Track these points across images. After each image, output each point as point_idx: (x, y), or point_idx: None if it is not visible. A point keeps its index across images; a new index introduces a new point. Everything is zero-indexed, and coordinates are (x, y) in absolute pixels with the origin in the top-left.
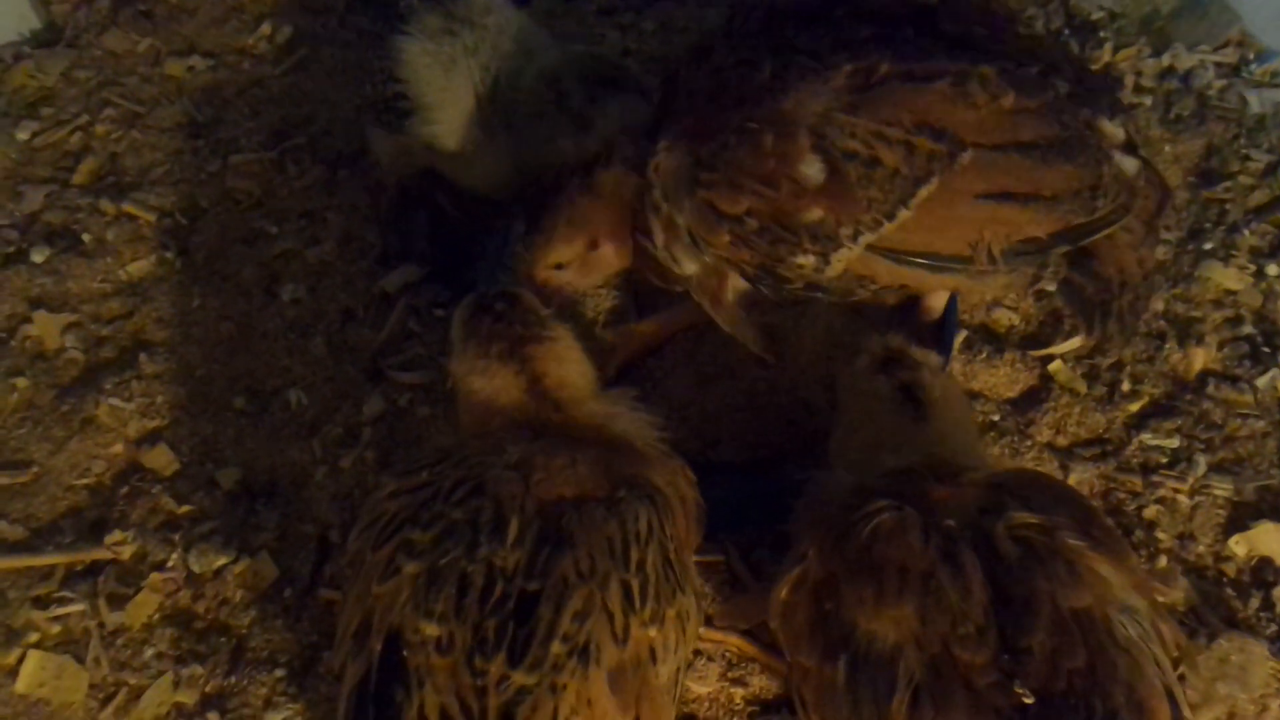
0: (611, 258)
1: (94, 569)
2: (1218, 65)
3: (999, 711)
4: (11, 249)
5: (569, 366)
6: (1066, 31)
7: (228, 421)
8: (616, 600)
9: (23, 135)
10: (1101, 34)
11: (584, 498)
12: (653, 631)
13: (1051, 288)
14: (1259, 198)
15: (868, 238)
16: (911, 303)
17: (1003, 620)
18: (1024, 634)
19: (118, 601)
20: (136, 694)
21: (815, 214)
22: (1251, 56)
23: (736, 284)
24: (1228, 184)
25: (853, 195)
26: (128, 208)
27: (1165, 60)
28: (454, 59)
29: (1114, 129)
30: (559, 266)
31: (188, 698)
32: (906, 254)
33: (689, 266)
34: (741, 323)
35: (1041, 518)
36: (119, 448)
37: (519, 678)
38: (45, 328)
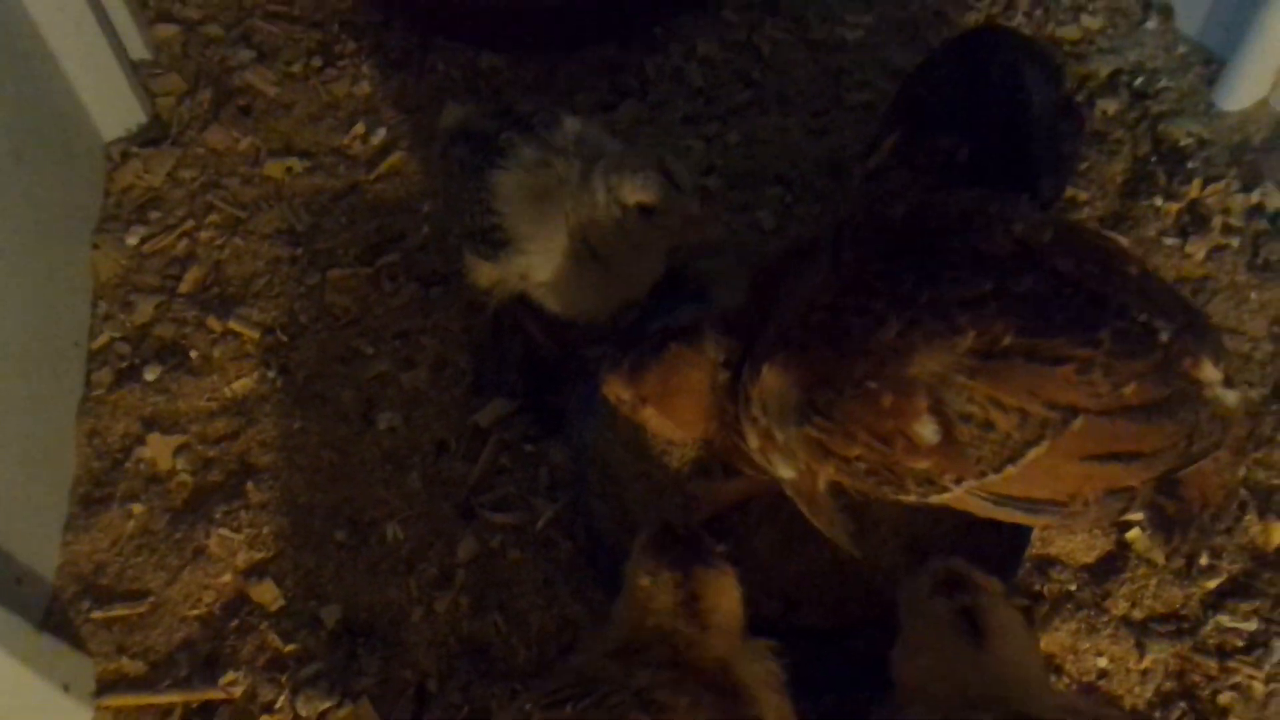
0: (652, 423)
1: (208, 708)
2: None
3: None
4: (125, 364)
5: (726, 598)
6: (1154, 159)
7: (329, 554)
8: None
9: (132, 240)
10: (1190, 164)
11: None
12: None
13: (1137, 516)
14: None
15: (970, 485)
16: (984, 523)
17: None
18: None
19: None
20: None
21: (924, 465)
22: None
23: (828, 479)
24: None
25: (963, 454)
26: (233, 324)
27: (1255, 197)
28: (547, 189)
29: (1214, 372)
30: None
31: None
32: (1005, 498)
33: (785, 472)
34: (836, 523)
35: None
36: (228, 578)
37: None
38: (158, 449)
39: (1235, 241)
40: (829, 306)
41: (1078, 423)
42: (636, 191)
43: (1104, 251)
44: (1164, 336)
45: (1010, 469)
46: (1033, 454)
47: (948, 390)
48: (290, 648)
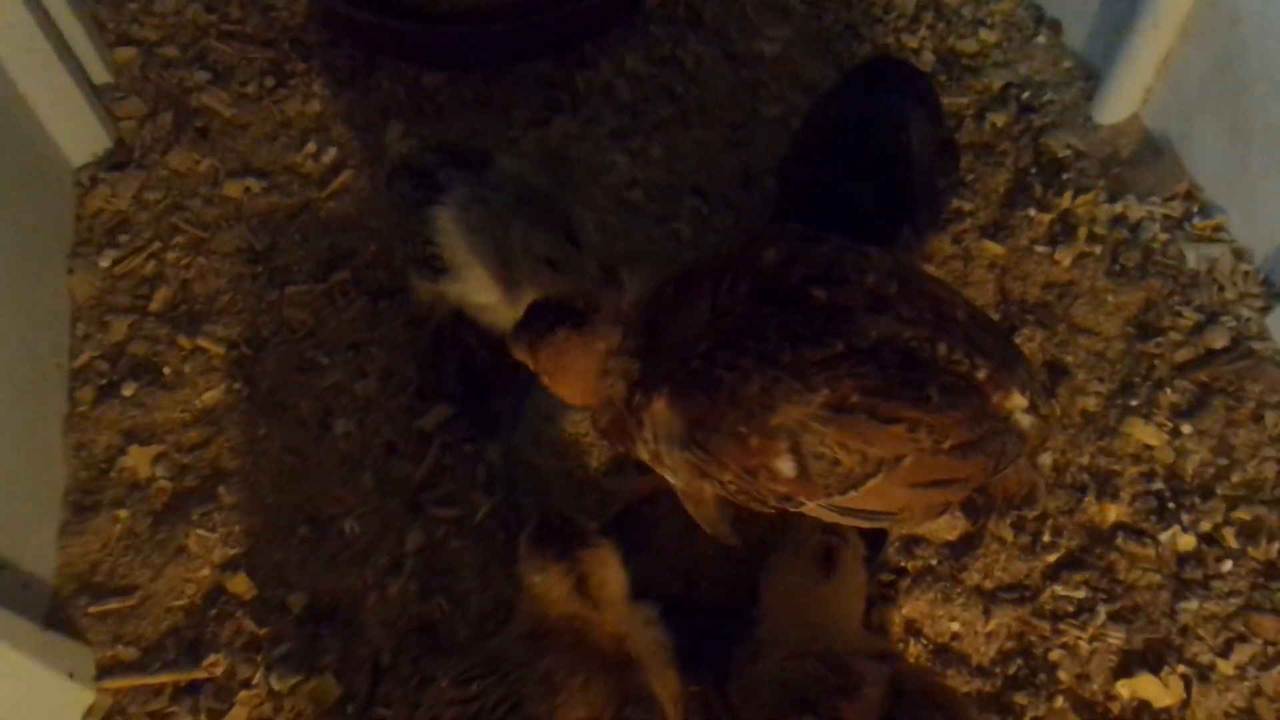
0: (550, 389)
1: (194, 686)
2: (1165, 217)
3: None
4: (104, 381)
5: (610, 574)
6: (1034, 170)
7: (294, 548)
8: None
9: (104, 263)
10: (1065, 175)
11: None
12: None
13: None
14: (1184, 354)
15: (820, 503)
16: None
17: None
18: None
19: (216, 715)
20: None
21: (783, 489)
22: (1195, 210)
23: (715, 493)
24: (1159, 339)
25: (814, 484)
26: (200, 341)
27: (1118, 207)
28: (481, 223)
29: (1020, 399)
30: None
31: None
32: (848, 510)
33: (674, 480)
34: (717, 521)
35: None
36: (206, 572)
37: None
38: (138, 459)
39: (1098, 249)
40: (705, 356)
41: (907, 461)
42: (544, 247)
43: (938, 299)
44: (981, 375)
45: (853, 494)
46: (871, 484)
47: (804, 434)
48: (263, 631)
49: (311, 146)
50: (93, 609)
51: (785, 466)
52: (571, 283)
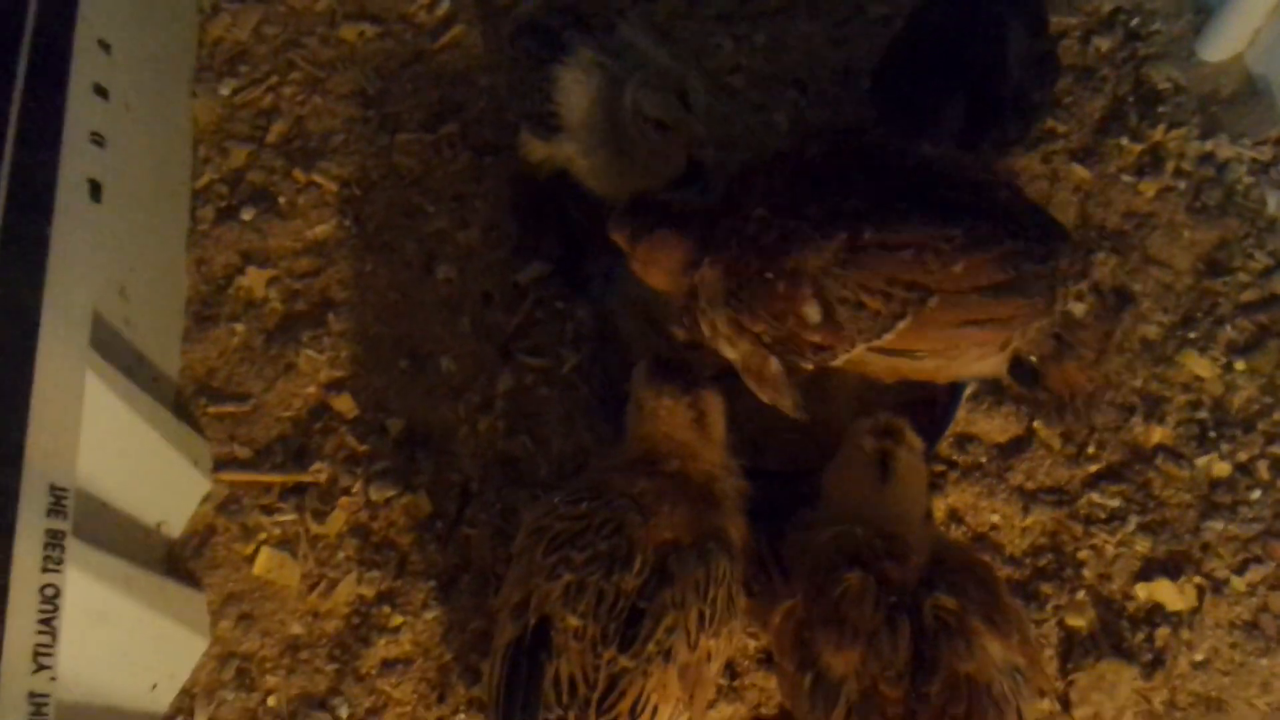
0: (637, 272)
1: (300, 488)
2: (1253, 161)
3: None
4: (224, 204)
5: (718, 414)
6: (1131, 99)
7: (394, 378)
8: (694, 622)
9: (225, 91)
10: (1161, 108)
11: (682, 543)
12: (712, 643)
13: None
14: (1249, 295)
15: (858, 350)
16: (925, 394)
17: (916, 671)
18: (926, 684)
19: (319, 515)
20: (333, 584)
21: (815, 339)
22: None
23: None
24: (1227, 279)
25: (843, 329)
26: (314, 176)
27: (1209, 145)
28: (598, 88)
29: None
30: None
31: (368, 591)
32: (891, 351)
33: (731, 353)
34: (783, 393)
35: (958, 602)
36: (313, 389)
37: (624, 662)
38: (255, 280)
39: (1182, 184)
40: (756, 223)
41: (933, 300)
42: (655, 109)
43: (978, 184)
44: (1019, 246)
45: (888, 337)
46: (900, 325)
47: (827, 280)
48: (364, 448)
49: None
50: (211, 409)
51: (812, 312)
52: (680, 145)
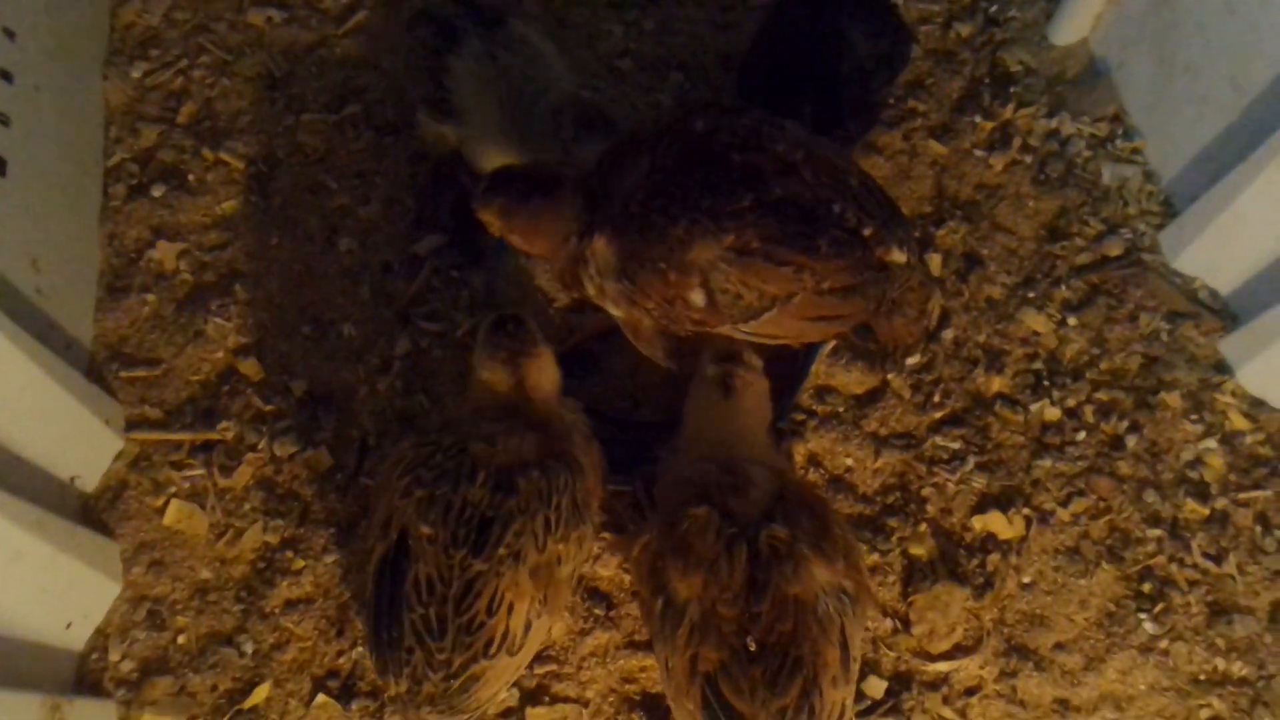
0: (515, 245)
1: (208, 445)
2: (1091, 136)
3: (733, 649)
4: (135, 182)
5: (544, 375)
6: (986, 81)
7: (298, 343)
8: (540, 526)
9: (136, 74)
10: (1013, 88)
11: (527, 463)
12: (560, 547)
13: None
14: (1083, 258)
15: (727, 329)
16: (777, 357)
17: (750, 594)
18: (757, 604)
19: (226, 470)
20: (240, 533)
21: (696, 317)
22: (1119, 132)
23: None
24: (1064, 243)
25: (721, 313)
26: (223, 155)
27: (1054, 123)
28: (491, 78)
29: (900, 254)
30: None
31: (273, 539)
32: (751, 333)
33: (615, 311)
34: (656, 349)
35: (789, 532)
36: (221, 354)
37: (477, 565)
38: (165, 253)
39: (1028, 159)
40: (642, 203)
41: (797, 299)
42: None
43: (834, 167)
44: (867, 231)
45: (754, 323)
46: (768, 316)
47: (713, 272)
48: (269, 408)
49: None
50: (124, 374)
51: (697, 298)
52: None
